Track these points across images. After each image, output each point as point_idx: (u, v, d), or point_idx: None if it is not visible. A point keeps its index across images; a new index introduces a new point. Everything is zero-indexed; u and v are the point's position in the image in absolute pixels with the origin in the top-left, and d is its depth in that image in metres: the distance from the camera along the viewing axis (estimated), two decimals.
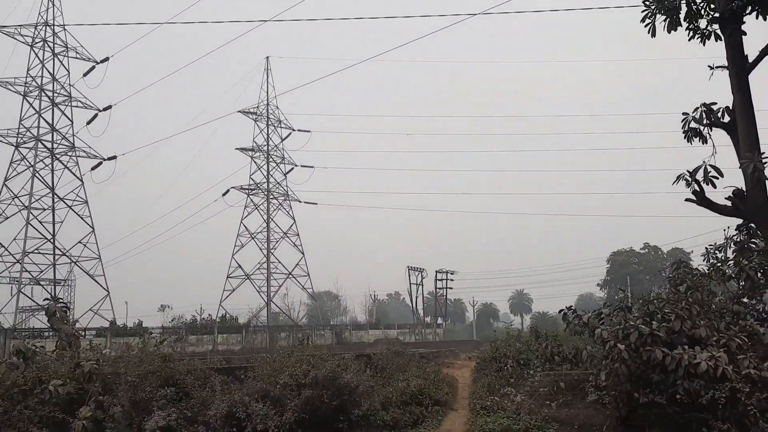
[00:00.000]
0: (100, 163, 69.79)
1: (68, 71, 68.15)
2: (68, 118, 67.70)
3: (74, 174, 67.47)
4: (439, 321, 76.99)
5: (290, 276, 77.82)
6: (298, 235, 79.40)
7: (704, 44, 9.26)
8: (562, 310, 14.97)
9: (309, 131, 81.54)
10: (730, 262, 14.29)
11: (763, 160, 8.41)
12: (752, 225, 13.53)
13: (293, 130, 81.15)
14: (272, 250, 77.22)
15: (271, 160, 78.82)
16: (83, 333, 38.06)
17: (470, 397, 16.58)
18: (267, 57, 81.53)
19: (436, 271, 75.73)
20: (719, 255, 14.76)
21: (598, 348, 13.86)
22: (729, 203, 9.21)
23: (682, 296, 13.86)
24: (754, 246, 14.45)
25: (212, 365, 17.12)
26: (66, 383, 15.34)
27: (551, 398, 14.93)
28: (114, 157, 70.15)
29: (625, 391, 13.23)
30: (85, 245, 66.84)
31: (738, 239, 14.57)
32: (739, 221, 13.06)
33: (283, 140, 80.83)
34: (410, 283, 72.82)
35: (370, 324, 73.86)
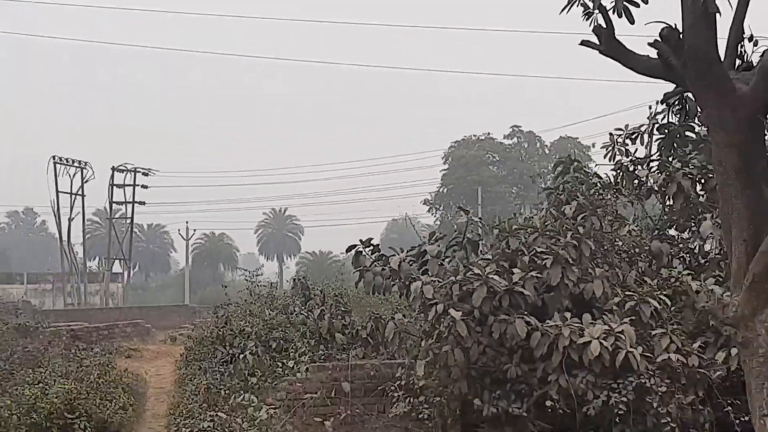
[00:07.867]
0: None
1: None
2: None
3: None
4: (117, 269, 48.00)
5: None
6: None
7: None
8: (353, 246, 9.37)
9: None
10: (653, 163, 8.69)
11: None
12: (689, 94, 7.87)
13: None
14: None
15: None
16: None
17: (170, 415, 10.38)
18: None
19: (114, 169, 44.06)
20: (633, 148, 9.07)
21: (416, 317, 8.61)
22: (654, 53, 5.31)
23: (567, 223, 8.29)
24: (690, 134, 8.81)
25: None
26: None
27: (327, 411, 8.87)
28: None
29: (458, 395, 7.98)
30: None
31: (666, 120, 8.93)
32: (669, 87, 7.11)
33: None
34: (57, 191, 41.22)
35: None
